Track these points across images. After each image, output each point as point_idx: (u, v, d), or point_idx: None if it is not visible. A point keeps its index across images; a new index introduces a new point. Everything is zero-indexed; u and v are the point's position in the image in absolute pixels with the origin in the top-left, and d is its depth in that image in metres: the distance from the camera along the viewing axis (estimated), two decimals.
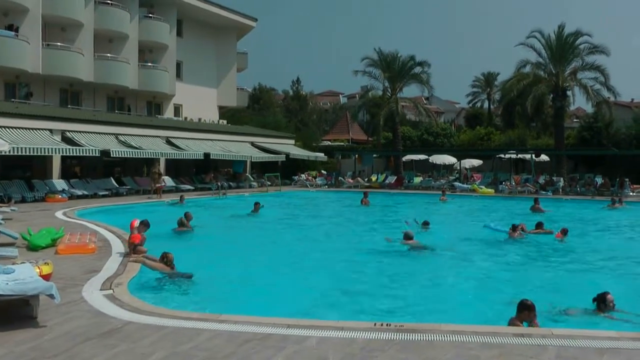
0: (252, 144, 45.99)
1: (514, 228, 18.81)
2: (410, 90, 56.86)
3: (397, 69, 50.43)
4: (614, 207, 28.74)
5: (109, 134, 33.96)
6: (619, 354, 6.76)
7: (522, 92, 45.76)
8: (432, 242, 17.62)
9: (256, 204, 25.19)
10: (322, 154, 51.69)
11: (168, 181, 37.04)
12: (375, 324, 7.86)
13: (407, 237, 16.85)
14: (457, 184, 41.82)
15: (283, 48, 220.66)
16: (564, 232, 18.58)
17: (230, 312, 8.60)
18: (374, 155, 53.00)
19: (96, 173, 35.49)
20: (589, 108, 50.95)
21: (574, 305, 10.09)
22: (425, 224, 20.74)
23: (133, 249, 13.35)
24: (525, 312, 8.31)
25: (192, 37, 48.94)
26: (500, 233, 19.30)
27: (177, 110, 47.85)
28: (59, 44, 36.85)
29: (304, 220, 25.48)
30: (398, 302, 11.04)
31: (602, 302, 9.58)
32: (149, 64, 43.72)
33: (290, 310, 9.47)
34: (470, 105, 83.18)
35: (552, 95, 45.70)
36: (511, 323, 8.28)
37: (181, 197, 29.29)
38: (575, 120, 66.41)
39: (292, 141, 52.78)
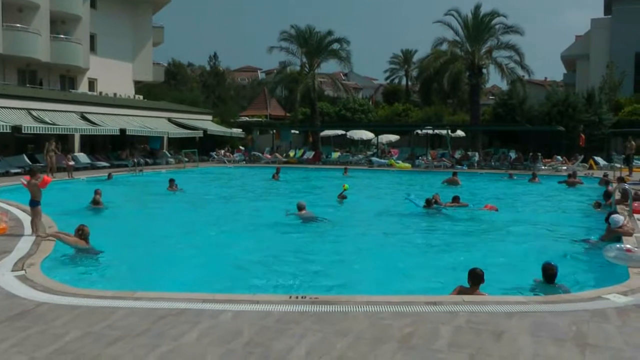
0: (169, 119, 45.16)
1: (428, 202, 19.21)
2: (329, 66, 57.39)
3: (314, 45, 50.33)
4: (533, 181, 29.52)
5: (21, 109, 32.52)
6: (527, 316, 7.12)
7: (439, 70, 46.82)
8: (340, 215, 18.05)
9: (171, 180, 25.01)
10: (239, 130, 51.61)
11: (83, 158, 36.08)
12: (290, 297, 8.00)
13: (299, 207, 17.21)
14: (374, 159, 42.43)
15: (200, 23, 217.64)
16: (494, 208, 19.21)
17: (145, 289, 8.56)
18: (293, 131, 53.02)
19: (8, 150, 34.02)
20: (504, 86, 52.63)
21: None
22: (342, 196, 21.27)
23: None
24: (480, 283, 8.52)
25: (106, 9, 47.31)
26: (416, 206, 19.61)
27: (92, 84, 46.32)
28: None
29: (218, 196, 25.40)
30: (312, 275, 11.17)
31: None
32: (62, 36, 41.92)
33: (205, 286, 9.54)
34: (388, 81, 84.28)
35: (468, 73, 46.98)
36: (467, 292, 8.41)
37: (109, 174, 29.78)
38: (490, 97, 68.56)
39: (210, 117, 52.11)
